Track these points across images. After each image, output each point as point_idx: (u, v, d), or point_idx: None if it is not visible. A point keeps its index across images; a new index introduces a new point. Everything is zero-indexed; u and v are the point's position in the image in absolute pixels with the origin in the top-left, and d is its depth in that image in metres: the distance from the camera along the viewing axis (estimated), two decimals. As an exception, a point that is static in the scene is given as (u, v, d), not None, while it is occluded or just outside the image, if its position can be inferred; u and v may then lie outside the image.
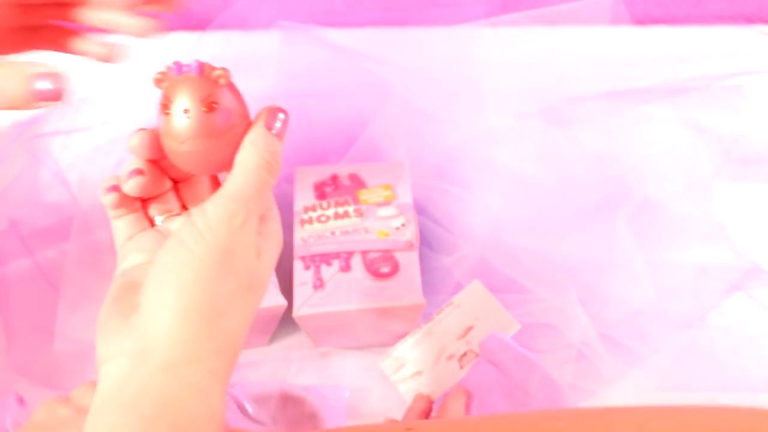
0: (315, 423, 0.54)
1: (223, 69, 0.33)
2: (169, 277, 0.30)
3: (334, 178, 0.56)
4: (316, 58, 0.67)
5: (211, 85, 0.32)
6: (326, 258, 0.52)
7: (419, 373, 0.54)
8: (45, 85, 0.32)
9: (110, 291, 0.34)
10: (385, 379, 0.55)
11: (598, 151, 0.63)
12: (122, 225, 0.36)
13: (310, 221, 0.54)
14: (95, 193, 0.60)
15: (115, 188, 0.35)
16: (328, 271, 0.52)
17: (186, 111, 0.32)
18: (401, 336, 0.56)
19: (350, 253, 0.52)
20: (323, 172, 0.56)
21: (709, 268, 0.59)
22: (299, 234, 0.53)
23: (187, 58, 0.33)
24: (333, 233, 0.53)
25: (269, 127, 0.33)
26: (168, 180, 0.36)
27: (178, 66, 0.32)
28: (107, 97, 0.67)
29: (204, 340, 0.30)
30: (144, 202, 0.37)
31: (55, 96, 0.32)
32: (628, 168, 0.63)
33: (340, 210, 0.54)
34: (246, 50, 0.66)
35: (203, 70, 0.32)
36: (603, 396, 0.54)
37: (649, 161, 0.63)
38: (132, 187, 0.34)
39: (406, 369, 0.54)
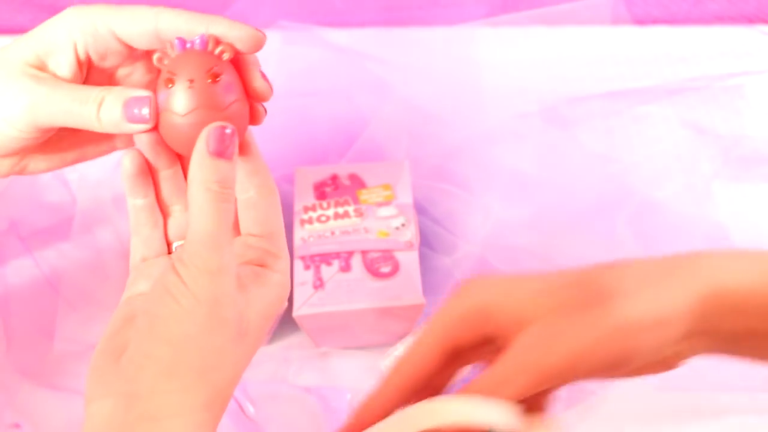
0: (316, 424, 0.54)
1: (227, 44, 0.33)
2: (157, 328, 0.30)
3: (334, 178, 0.56)
4: (316, 58, 0.67)
5: (216, 58, 0.33)
6: (326, 258, 0.52)
7: (419, 373, 0.54)
8: (138, 109, 0.32)
9: (111, 321, 0.33)
10: (385, 379, 0.55)
11: (598, 151, 0.63)
12: (139, 243, 0.36)
13: (310, 221, 0.54)
14: (95, 193, 0.61)
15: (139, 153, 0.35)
16: (328, 271, 0.52)
17: (191, 82, 0.32)
18: (401, 336, 0.56)
19: (350, 253, 0.52)
20: (323, 172, 0.56)
21: (709, 268, 0.59)
22: (299, 234, 0.53)
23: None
24: (333, 233, 0.53)
25: (213, 152, 0.31)
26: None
27: (182, 41, 0.33)
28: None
29: (191, 395, 0.29)
30: (165, 220, 0.37)
31: (145, 120, 0.32)
32: (628, 168, 0.63)
33: (340, 210, 0.54)
34: (246, 50, 0.66)
35: (207, 44, 0.33)
36: (603, 396, 0.54)
37: (649, 161, 0.63)
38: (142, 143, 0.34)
39: (406, 369, 0.54)
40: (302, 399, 0.55)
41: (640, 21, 0.71)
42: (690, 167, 0.63)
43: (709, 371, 0.56)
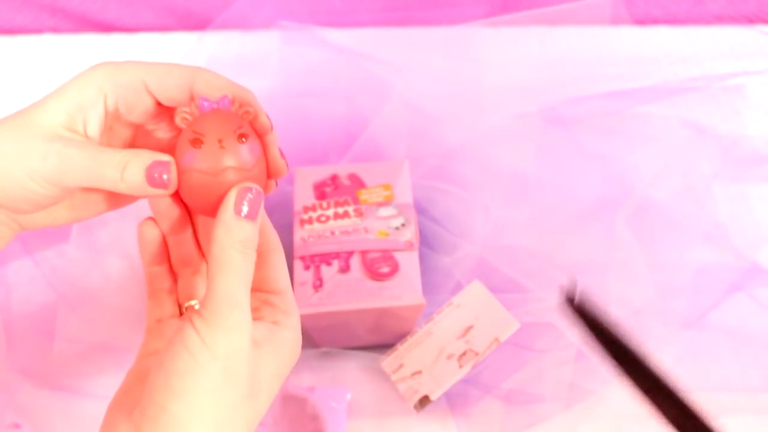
0: (316, 424, 0.54)
1: (250, 105, 0.33)
2: (172, 382, 0.30)
3: (334, 178, 0.56)
4: (316, 58, 0.67)
5: (241, 119, 0.33)
6: (326, 258, 0.52)
7: (419, 372, 0.54)
8: (159, 174, 0.32)
9: (125, 379, 0.34)
10: (386, 379, 0.56)
11: (598, 151, 0.63)
12: (154, 305, 0.37)
13: (309, 221, 0.54)
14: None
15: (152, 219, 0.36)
16: (328, 271, 0.52)
17: (221, 141, 0.32)
18: (401, 336, 0.56)
19: (350, 253, 0.52)
20: (323, 172, 0.56)
21: (709, 268, 0.59)
22: (299, 234, 0.53)
23: (210, 94, 0.33)
24: (333, 233, 0.53)
25: (238, 212, 0.32)
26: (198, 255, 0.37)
27: (208, 102, 0.33)
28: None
29: None
30: (174, 283, 0.38)
31: (165, 185, 0.33)
32: (628, 168, 0.63)
33: (340, 210, 0.54)
34: (246, 50, 0.66)
35: (232, 104, 0.33)
36: (602, 395, 0.54)
37: (649, 161, 0.63)
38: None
39: (406, 368, 0.54)
40: (302, 399, 0.55)
41: (640, 21, 0.72)
42: (690, 167, 0.63)
43: (710, 371, 0.57)
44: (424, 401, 0.53)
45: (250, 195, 0.32)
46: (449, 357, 0.53)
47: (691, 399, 0.32)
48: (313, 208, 0.54)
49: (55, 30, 0.75)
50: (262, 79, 0.65)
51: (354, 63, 0.66)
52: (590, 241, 0.59)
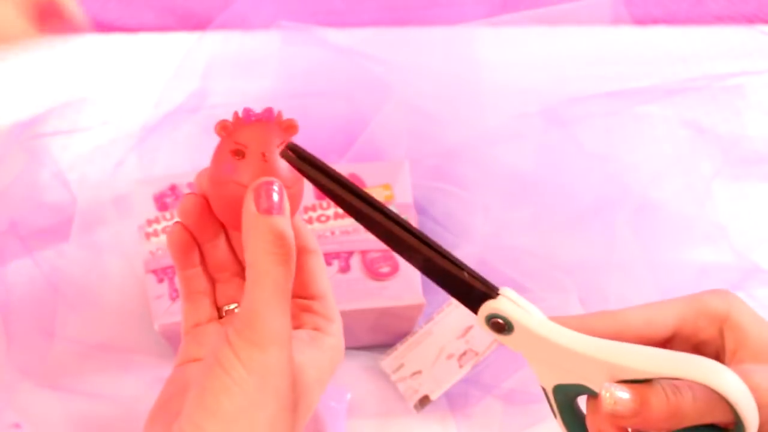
0: (316, 424, 0.54)
1: (291, 119, 0.32)
2: (208, 402, 0.29)
3: (334, 178, 0.56)
4: (316, 58, 0.66)
5: (283, 134, 0.32)
6: (326, 258, 0.52)
7: (419, 372, 0.54)
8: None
9: (164, 388, 0.33)
10: (386, 379, 0.56)
11: (598, 151, 0.63)
12: (191, 310, 0.35)
13: (309, 221, 0.54)
14: (95, 193, 0.61)
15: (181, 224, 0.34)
16: (328, 271, 0.52)
17: (264, 155, 0.30)
18: (401, 336, 0.56)
19: (350, 253, 0.52)
20: (323, 172, 0.56)
21: (709, 268, 0.59)
22: (299, 234, 0.53)
23: (255, 105, 0.32)
24: (333, 233, 0.53)
25: (262, 210, 0.30)
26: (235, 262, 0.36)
27: (251, 112, 0.32)
28: (107, 97, 0.67)
29: None
30: (213, 287, 0.36)
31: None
32: (628, 168, 0.63)
33: (340, 210, 0.54)
34: (246, 50, 0.66)
35: (276, 116, 0.32)
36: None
37: (649, 161, 0.63)
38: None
39: (406, 368, 0.54)
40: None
41: (640, 21, 0.71)
42: (690, 167, 0.63)
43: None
44: (424, 401, 0.53)
45: (273, 188, 0.30)
46: (449, 357, 0.53)
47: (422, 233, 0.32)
48: (313, 208, 0.54)
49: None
50: (262, 79, 0.64)
51: (354, 63, 0.66)
52: (590, 241, 0.59)
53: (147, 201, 0.54)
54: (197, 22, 0.74)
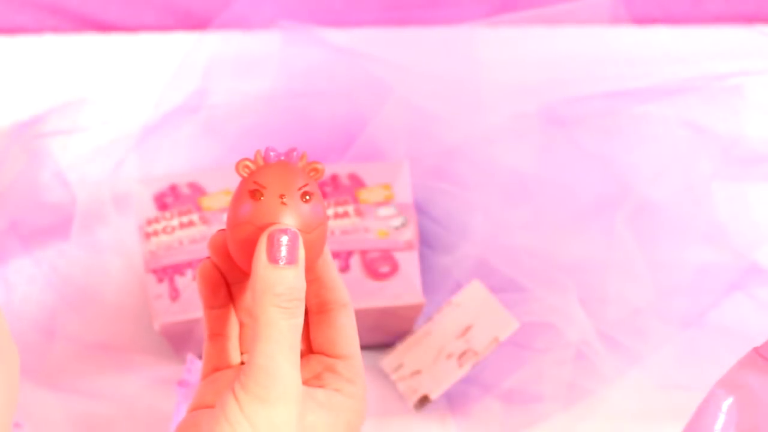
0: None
1: (318, 163, 0.31)
2: None
3: (334, 178, 0.56)
4: (316, 58, 0.66)
5: (307, 176, 0.31)
6: (326, 258, 0.52)
7: (418, 372, 0.54)
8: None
9: (177, 430, 0.32)
10: (385, 378, 0.56)
11: (597, 151, 0.63)
12: (212, 351, 0.34)
13: (309, 221, 0.54)
14: (95, 193, 0.61)
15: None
16: (328, 271, 0.52)
17: (282, 197, 0.29)
18: (401, 335, 0.56)
19: (350, 253, 0.52)
20: (323, 172, 0.56)
21: (708, 268, 0.59)
22: (299, 234, 0.53)
23: (279, 146, 0.31)
24: (333, 233, 0.53)
25: (273, 260, 0.29)
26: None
27: (274, 152, 0.31)
28: (107, 97, 0.67)
29: None
30: (239, 328, 0.35)
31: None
32: (628, 168, 0.63)
33: (340, 210, 0.54)
34: (246, 50, 0.66)
35: (299, 159, 0.31)
36: (602, 395, 0.54)
37: (649, 161, 0.63)
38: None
39: (406, 368, 0.54)
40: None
41: (640, 21, 0.71)
42: (689, 167, 0.63)
43: (709, 371, 0.57)
44: (423, 401, 0.53)
45: (285, 237, 0.29)
46: (449, 356, 0.53)
47: None
48: (313, 208, 0.54)
49: (56, 30, 0.75)
50: (262, 79, 0.64)
51: (354, 63, 0.66)
52: (590, 241, 0.59)
53: (147, 201, 0.54)
54: (197, 22, 0.74)
